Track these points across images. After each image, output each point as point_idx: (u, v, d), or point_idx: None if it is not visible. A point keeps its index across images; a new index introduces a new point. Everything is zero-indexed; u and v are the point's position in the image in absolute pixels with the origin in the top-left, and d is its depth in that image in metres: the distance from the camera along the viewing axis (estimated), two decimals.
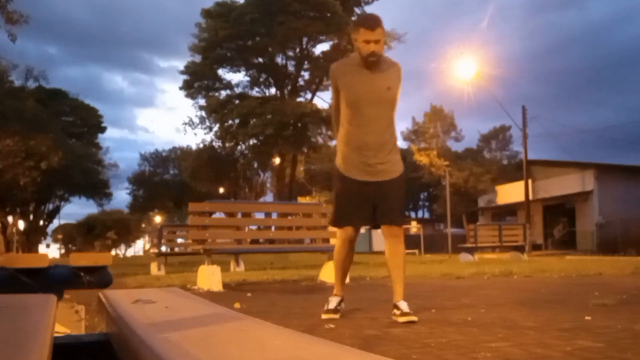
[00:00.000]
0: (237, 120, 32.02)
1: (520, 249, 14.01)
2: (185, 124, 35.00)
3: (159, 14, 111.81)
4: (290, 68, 33.78)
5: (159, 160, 54.74)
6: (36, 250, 38.94)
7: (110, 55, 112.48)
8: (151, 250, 12.31)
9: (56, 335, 1.18)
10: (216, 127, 33.72)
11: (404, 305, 3.05)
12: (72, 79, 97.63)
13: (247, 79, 34.18)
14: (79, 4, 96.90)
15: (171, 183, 51.20)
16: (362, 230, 20.83)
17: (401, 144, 47.03)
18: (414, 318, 2.96)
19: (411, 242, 23.95)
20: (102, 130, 46.93)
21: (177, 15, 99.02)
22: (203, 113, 33.99)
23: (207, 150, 36.59)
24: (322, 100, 38.17)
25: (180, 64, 32.83)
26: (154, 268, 10.10)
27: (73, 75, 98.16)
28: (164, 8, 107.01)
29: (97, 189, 43.98)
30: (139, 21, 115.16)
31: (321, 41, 32.56)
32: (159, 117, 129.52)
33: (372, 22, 3.06)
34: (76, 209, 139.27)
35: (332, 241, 7.06)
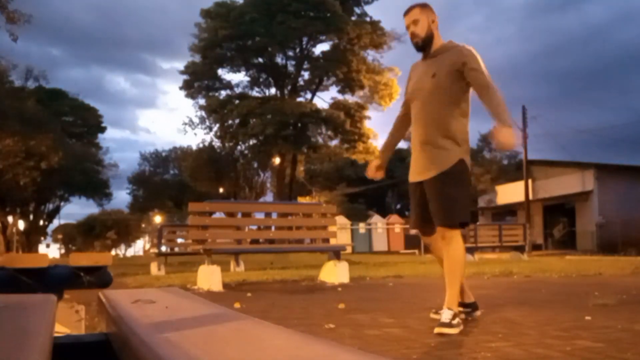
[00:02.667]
0: (237, 120, 32.01)
1: (520, 249, 14.01)
2: (185, 124, 35.01)
3: (161, 15, 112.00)
4: (290, 68, 33.77)
5: (159, 160, 54.74)
6: (36, 250, 38.97)
7: (112, 57, 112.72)
8: (151, 250, 12.30)
9: (56, 335, 1.18)
10: (216, 127, 33.72)
11: (444, 315, 2.76)
12: (75, 80, 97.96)
13: (247, 79, 34.20)
14: (82, 6, 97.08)
15: (171, 183, 51.19)
16: (362, 230, 20.68)
17: (402, 144, 46.85)
18: (446, 331, 2.64)
19: (411, 242, 23.94)
20: (102, 130, 46.97)
21: (180, 17, 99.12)
22: (203, 113, 34.02)
23: (207, 150, 36.59)
24: (322, 100, 38.21)
25: (182, 65, 32.68)
26: (154, 268, 10.10)
27: (76, 76, 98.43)
28: (167, 10, 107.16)
29: (97, 189, 44.00)
30: (141, 23, 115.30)
31: (321, 41, 32.54)
32: (160, 118, 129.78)
33: (407, 8, 3.03)
34: (76, 209, 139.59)
35: (332, 241, 7.07)
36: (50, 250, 50.42)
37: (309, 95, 34.00)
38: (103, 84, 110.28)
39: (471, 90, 2.95)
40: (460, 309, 2.99)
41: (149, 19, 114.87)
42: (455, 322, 2.70)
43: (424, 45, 2.98)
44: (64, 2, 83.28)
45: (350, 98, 32.99)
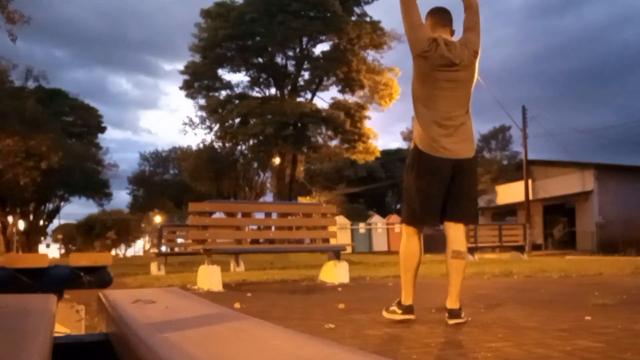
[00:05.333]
0: (237, 120, 32.02)
1: (520, 249, 14.00)
2: (186, 124, 34.99)
3: (164, 17, 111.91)
4: (290, 68, 33.75)
5: (159, 160, 54.71)
6: (36, 250, 38.94)
7: (115, 59, 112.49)
8: (151, 250, 12.30)
9: (56, 335, 1.18)
10: (216, 127, 33.71)
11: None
12: (77, 81, 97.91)
13: (247, 79, 34.19)
14: (86, 8, 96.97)
15: (171, 183, 51.15)
16: (362, 230, 20.69)
17: (402, 144, 47.08)
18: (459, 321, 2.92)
19: None
20: (102, 130, 46.90)
21: (183, 18, 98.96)
22: (203, 113, 34.02)
23: (207, 151, 36.56)
24: (322, 100, 38.20)
25: (184, 67, 32.73)
26: (154, 268, 10.09)
27: (79, 77, 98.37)
28: (170, 12, 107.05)
29: (97, 189, 43.97)
30: (144, 25, 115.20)
31: (321, 41, 32.53)
32: (162, 119, 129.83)
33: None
34: (76, 209, 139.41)
35: (332, 241, 7.07)
36: (50, 250, 50.41)
37: (309, 95, 34.00)
38: (105, 85, 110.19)
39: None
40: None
41: (152, 21, 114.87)
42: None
43: None
44: (67, 4, 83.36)
45: (350, 98, 32.99)
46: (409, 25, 3.06)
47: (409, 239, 3.12)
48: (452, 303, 2.98)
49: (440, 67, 3.01)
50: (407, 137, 41.97)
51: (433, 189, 3.00)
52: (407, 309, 3.04)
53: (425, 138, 3.01)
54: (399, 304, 3.08)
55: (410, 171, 3.10)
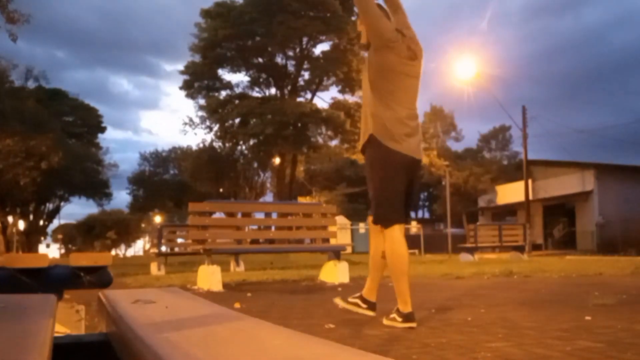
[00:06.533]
0: (237, 120, 32.04)
1: (520, 249, 14.01)
2: (186, 123, 35.01)
3: (166, 18, 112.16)
4: (290, 68, 33.79)
5: (159, 160, 54.74)
6: (36, 250, 38.94)
7: (117, 59, 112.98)
8: (151, 250, 12.29)
9: (56, 335, 1.18)
10: (216, 127, 33.74)
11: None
12: (79, 81, 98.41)
13: (247, 79, 34.22)
14: (88, 9, 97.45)
15: (171, 183, 51.19)
16: (362, 230, 20.64)
17: None
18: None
19: (411, 242, 23.94)
20: (102, 130, 46.96)
21: (184, 19, 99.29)
22: (203, 113, 34.04)
23: (207, 151, 36.59)
24: (322, 100, 38.21)
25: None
26: (154, 268, 10.10)
27: (80, 78, 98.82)
28: (171, 13, 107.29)
29: (97, 189, 44.00)
30: (146, 26, 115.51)
31: (321, 41, 32.55)
32: (163, 119, 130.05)
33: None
34: (76, 209, 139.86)
35: (332, 241, 7.07)
36: (50, 250, 50.40)
37: (309, 95, 34.05)
38: (106, 86, 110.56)
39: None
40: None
41: (153, 22, 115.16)
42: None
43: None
44: (69, 5, 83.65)
45: (350, 98, 33.03)
46: (373, 14, 2.95)
47: (376, 239, 3.09)
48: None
49: (405, 60, 2.94)
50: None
51: (402, 185, 3.00)
52: (408, 317, 2.87)
53: (389, 135, 2.94)
54: (398, 312, 2.91)
55: (377, 169, 3.01)
